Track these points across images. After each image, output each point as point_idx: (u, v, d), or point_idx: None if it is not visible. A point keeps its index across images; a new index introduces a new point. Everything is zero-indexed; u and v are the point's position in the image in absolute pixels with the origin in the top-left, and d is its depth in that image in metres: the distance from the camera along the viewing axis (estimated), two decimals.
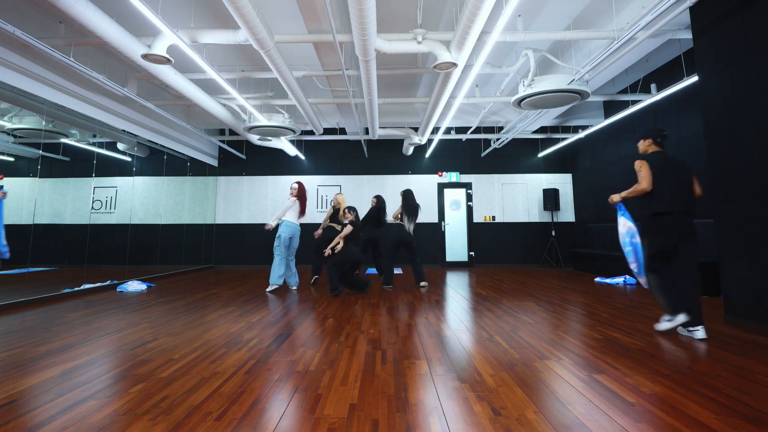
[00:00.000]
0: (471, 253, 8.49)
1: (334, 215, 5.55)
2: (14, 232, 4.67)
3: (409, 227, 5.15)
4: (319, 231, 5.57)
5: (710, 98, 3.20)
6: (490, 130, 8.54)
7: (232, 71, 5.26)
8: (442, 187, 8.77)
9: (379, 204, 5.63)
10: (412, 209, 5.20)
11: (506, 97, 5.40)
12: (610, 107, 7.04)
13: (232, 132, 8.32)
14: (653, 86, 5.65)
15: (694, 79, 4.26)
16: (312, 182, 8.74)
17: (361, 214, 5.54)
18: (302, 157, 8.73)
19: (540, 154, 8.66)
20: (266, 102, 5.95)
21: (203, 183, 8.35)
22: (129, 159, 6.65)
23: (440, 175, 8.78)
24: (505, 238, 8.55)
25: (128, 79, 5.14)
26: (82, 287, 4.87)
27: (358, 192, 8.69)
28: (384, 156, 8.83)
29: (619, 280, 5.48)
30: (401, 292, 4.85)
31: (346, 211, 4.85)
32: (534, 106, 4.51)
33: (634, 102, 5.52)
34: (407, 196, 5.27)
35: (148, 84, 5.94)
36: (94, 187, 6.37)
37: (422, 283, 5.23)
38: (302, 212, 5.16)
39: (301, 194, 5.14)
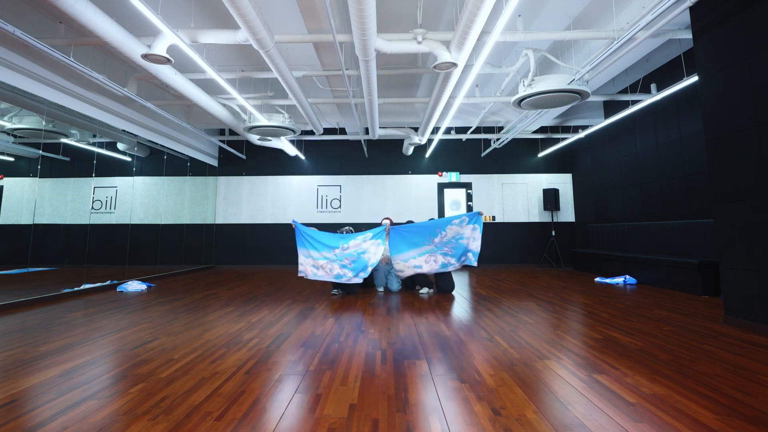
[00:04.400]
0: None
1: None
2: (14, 232, 4.67)
3: None
4: None
5: (710, 98, 3.20)
6: (490, 130, 8.54)
7: (232, 71, 5.26)
8: (442, 187, 8.76)
9: None
10: None
11: (506, 97, 5.40)
12: (610, 107, 7.03)
13: (232, 132, 8.32)
14: (653, 86, 5.65)
15: (694, 79, 4.26)
16: (312, 182, 8.75)
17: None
18: (302, 157, 8.73)
19: (540, 154, 8.66)
20: (266, 102, 5.95)
21: (203, 183, 8.35)
22: (129, 159, 6.65)
23: (440, 175, 8.78)
24: (505, 238, 8.54)
25: (128, 79, 5.13)
26: (82, 287, 4.87)
27: (358, 192, 8.68)
28: (384, 156, 8.83)
29: (619, 280, 5.47)
30: (401, 292, 4.85)
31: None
32: (534, 106, 4.51)
33: (634, 102, 5.53)
34: None
35: (148, 84, 5.94)
36: (94, 187, 6.37)
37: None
38: None
39: None
